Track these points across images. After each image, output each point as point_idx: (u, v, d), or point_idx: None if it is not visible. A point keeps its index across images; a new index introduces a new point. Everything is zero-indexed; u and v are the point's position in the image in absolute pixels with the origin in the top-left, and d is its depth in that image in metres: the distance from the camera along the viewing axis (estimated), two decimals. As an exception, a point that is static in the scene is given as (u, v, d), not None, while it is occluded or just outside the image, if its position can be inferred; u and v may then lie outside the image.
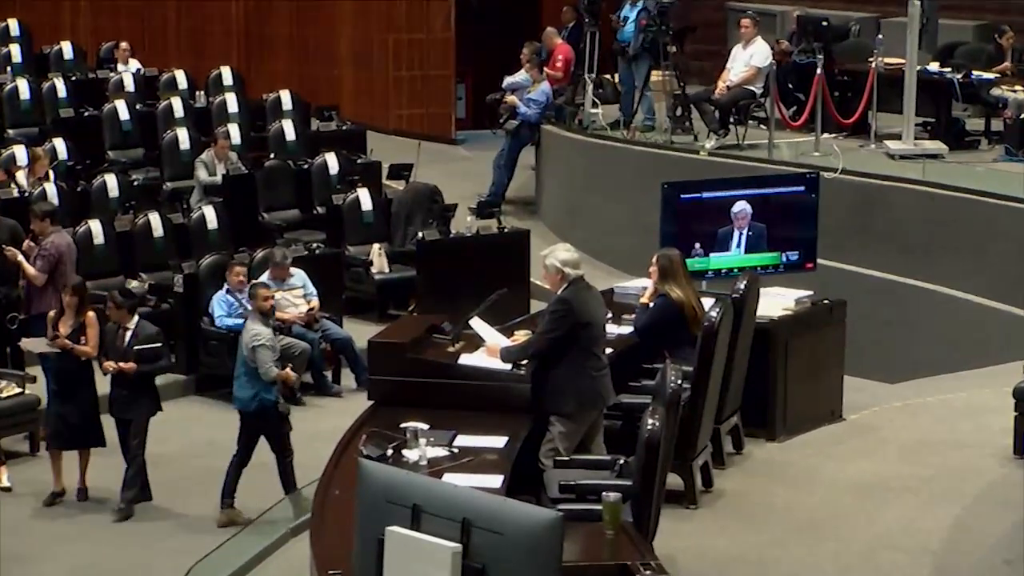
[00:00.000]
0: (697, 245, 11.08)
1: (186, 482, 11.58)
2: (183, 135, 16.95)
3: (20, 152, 15.68)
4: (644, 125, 17.49)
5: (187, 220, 14.94)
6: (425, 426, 7.89)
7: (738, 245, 11.22)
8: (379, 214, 15.71)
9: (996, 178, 14.95)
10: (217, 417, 12.64)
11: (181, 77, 19.10)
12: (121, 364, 11.01)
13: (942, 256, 14.36)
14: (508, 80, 18.23)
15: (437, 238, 14.97)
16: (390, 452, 7.79)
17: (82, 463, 11.33)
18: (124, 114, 17.44)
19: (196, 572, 9.43)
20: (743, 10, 18.37)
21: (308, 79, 21.54)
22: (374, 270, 15.08)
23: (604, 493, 7.07)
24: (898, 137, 16.03)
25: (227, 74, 19.36)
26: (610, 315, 9.59)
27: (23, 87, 17.90)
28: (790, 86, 17.05)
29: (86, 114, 17.59)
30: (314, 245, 14.87)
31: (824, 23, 17.40)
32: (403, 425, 7.95)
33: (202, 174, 16.01)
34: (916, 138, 16.05)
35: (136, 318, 11.24)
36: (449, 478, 7.36)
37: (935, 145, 16.06)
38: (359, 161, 17.26)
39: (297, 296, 13.74)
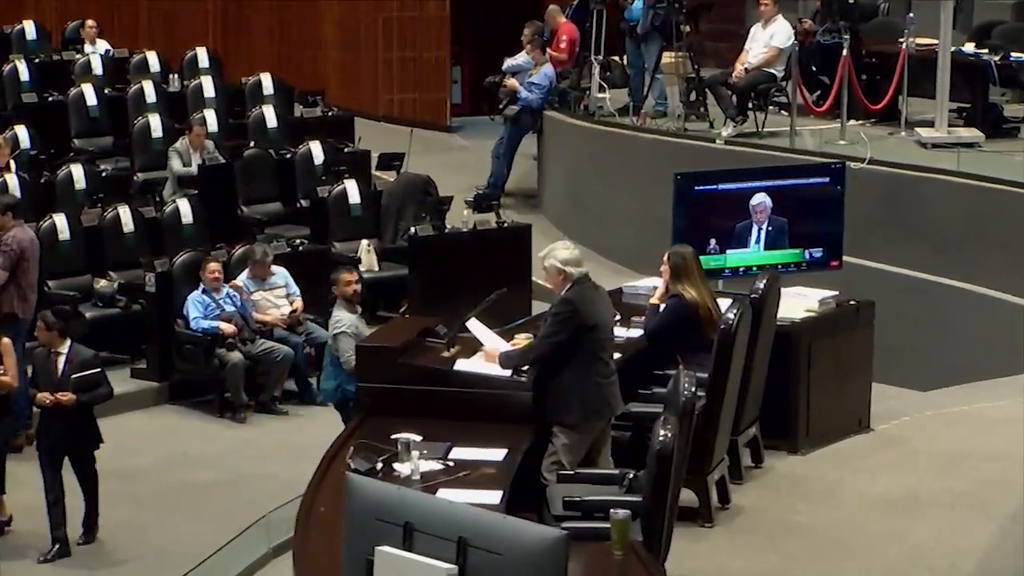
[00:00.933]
0: (712, 241, 11.08)
1: (159, 499, 11.57)
2: (155, 122, 16.95)
3: (-21, 140, 15.73)
4: (655, 111, 17.54)
5: (160, 214, 14.96)
6: (418, 437, 7.90)
7: (757, 241, 11.23)
8: (368, 208, 15.73)
9: (1036, 168, 15.00)
10: (192, 427, 12.66)
11: (153, 59, 19.11)
12: (58, 395, 10.55)
13: (978, 253, 14.37)
14: (508, 62, 18.26)
15: (431, 234, 15.01)
16: (380, 465, 7.81)
17: None
18: (91, 99, 17.46)
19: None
20: (763, -13, 18.40)
21: (291, 61, 21.60)
22: (362, 268, 15.10)
23: (612, 510, 7.06)
24: (930, 124, 16.05)
25: (203, 56, 19.38)
26: (618, 317, 9.59)
27: (-18, 70, 18.00)
28: (813, 69, 17.07)
29: (50, 99, 17.63)
30: (297, 241, 14.92)
31: (851, 1, 17.42)
32: (394, 436, 7.96)
33: (176, 164, 16.04)
34: (950, 125, 16.05)
35: (68, 341, 10.77)
36: (444, 494, 7.37)
37: (970, 132, 16.06)
38: (346, 150, 17.30)
39: (279, 296, 13.78)
